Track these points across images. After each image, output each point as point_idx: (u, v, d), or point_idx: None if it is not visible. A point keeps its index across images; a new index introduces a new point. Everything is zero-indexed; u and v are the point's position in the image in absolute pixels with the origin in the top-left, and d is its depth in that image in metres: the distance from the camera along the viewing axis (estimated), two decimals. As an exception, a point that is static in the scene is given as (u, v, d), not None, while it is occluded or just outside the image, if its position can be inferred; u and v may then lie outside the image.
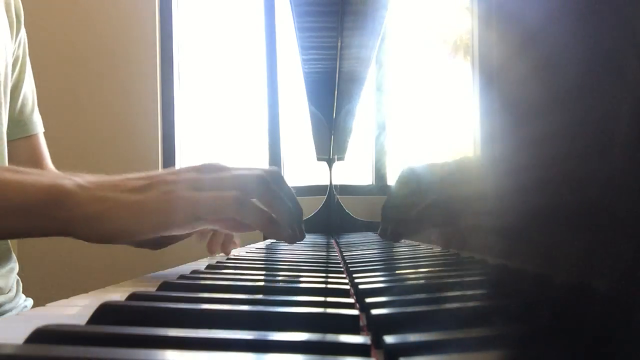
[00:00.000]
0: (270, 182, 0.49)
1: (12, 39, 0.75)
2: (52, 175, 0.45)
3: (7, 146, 0.79)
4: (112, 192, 0.44)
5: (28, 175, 0.44)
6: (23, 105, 0.81)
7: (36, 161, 0.84)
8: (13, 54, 0.76)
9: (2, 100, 0.70)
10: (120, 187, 0.45)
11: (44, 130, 0.86)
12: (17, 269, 0.77)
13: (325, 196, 1.20)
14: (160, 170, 0.49)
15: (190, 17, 2.09)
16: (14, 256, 0.76)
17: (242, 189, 0.46)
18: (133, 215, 0.43)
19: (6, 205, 0.43)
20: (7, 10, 0.74)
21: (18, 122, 0.80)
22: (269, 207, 0.49)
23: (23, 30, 0.79)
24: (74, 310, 0.32)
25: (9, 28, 0.74)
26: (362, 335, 0.23)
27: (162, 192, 0.44)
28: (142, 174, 0.48)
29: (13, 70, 0.77)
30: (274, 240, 0.88)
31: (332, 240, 0.94)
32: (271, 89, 1.98)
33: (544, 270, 0.19)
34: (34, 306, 0.78)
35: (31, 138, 0.82)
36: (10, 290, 0.74)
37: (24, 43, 0.80)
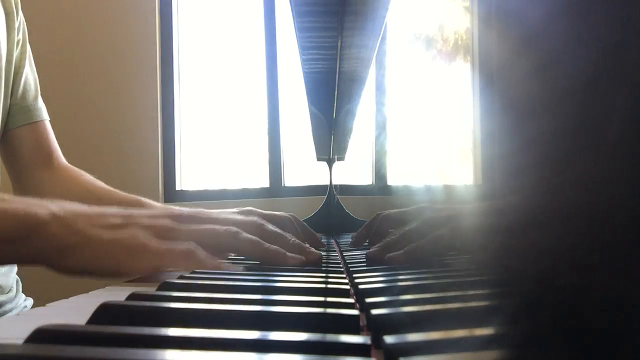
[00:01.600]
0: (244, 232, 0.51)
1: (8, 31, 0.74)
2: (28, 202, 0.42)
3: (12, 135, 0.79)
4: (85, 226, 0.42)
5: (2, 202, 0.41)
6: (25, 90, 0.80)
7: (44, 150, 0.82)
8: (13, 41, 0.76)
9: None
10: (94, 222, 0.43)
11: (49, 119, 0.84)
12: (16, 268, 0.77)
13: (325, 196, 1.20)
14: (141, 211, 0.49)
15: (191, 17, 2.09)
16: (14, 256, 0.76)
17: (208, 244, 0.47)
18: (98, 255, 0.42)
19: None
20: (4, 1, 0.74)
21: (21, 108, 0.79)
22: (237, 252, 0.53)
23: (21, 16, 0.79)
24: (74, 310, 0.32)
25: (4, 21, 0.74)
26: (362, 335, 0.23)
27: (131, 236, 0.43)
28: (121, 211, 0.46)
29: (15, 52, 0.77)
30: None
31: (332, 240, 0.94)
32: (271, 89, 1.98)
33: (542, 271, 0.19)
34: (34, 306, 0.78)
35: (37, 125, 0.81)
36: (10, 290, 0.74)
37: (23, 28, 0.80)
